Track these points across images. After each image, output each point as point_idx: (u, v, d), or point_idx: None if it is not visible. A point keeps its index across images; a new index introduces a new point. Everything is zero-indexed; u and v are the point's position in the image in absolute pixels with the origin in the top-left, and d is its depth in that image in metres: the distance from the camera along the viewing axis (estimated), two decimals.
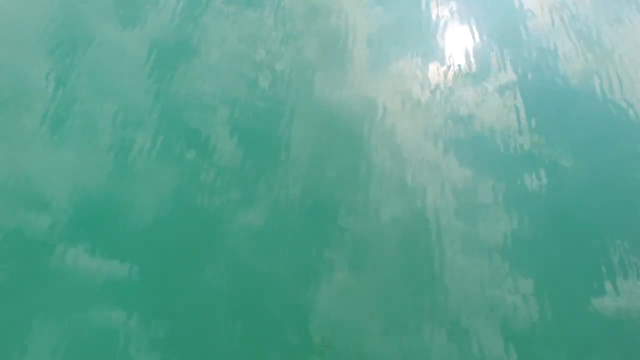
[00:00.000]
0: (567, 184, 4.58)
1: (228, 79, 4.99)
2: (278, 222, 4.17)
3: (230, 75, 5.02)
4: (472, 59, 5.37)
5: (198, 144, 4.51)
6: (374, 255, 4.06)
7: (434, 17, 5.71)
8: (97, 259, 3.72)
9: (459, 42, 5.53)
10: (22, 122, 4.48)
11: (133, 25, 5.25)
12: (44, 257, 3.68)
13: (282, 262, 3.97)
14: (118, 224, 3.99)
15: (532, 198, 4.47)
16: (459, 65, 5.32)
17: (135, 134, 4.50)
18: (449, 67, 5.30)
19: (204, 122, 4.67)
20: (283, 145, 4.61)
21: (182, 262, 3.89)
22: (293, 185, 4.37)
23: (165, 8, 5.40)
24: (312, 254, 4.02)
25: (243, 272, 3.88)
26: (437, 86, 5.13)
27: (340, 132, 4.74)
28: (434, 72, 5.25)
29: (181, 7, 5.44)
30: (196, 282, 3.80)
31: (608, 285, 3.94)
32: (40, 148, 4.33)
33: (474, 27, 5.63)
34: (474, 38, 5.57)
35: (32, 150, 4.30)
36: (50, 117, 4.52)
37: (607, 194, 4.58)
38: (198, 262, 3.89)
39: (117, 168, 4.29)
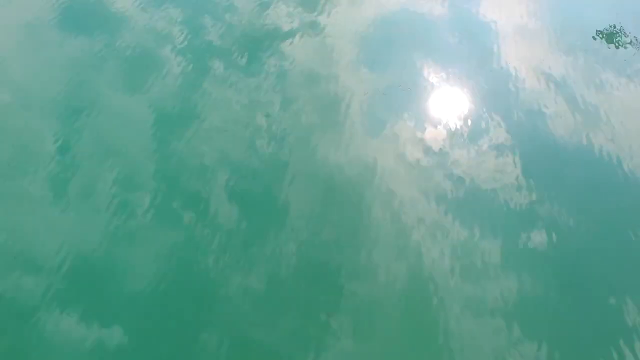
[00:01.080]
0: (570, 242, 4.55)
1: (228, 142, 5.11)
2: (276, 286, 4.06)
3: (230, 139, 5.14)
4: (466, 121, 5.55)
5: (196, 207, 4.52)
6: (377, 321, 3.92)
7: (426, 81, 5.96)
8: (87, 325, 3.58)
9: (451, 105, 5.75)
10: (23, 185, 4.52)
11: (138, 91, 5.48)
12: (31, 323, 3.53)
13: (281, 330, 3.80)
14: (110, 289, 3.89)
15: (536, 257, 4.42)
16: (453, 127, 5.47)
17: (134, 197, 4.51)
18: (443, 129, 5.45)
19: (203, 185, 4.71)
20: (281, 208, 4.62)
21: (176, 329, 3.72)
22: (292, 249, 4.31)
23: (170, 75, 5.68)
24: (312, 321, 3.86)
25: (239, 342, 3.70)
26: (433, 148, 5.25)
27: (339, 195, 4.77)
28: (429, 134, 5.39)
29: (184, 73, 5.72)
30: (189, 354, 3.59)
31: (626, 351, 3.75)
32: (37, 211, 4.33)
33: (465, 91, 5.88)
34: (466, 101, 5.80)
35: (29, 214, 4.29)
36: (51, 180, 4.58)
37: (612, 250, 4.54)
38: (192, 331, 3.72)
39: (113, 231, 4.27)
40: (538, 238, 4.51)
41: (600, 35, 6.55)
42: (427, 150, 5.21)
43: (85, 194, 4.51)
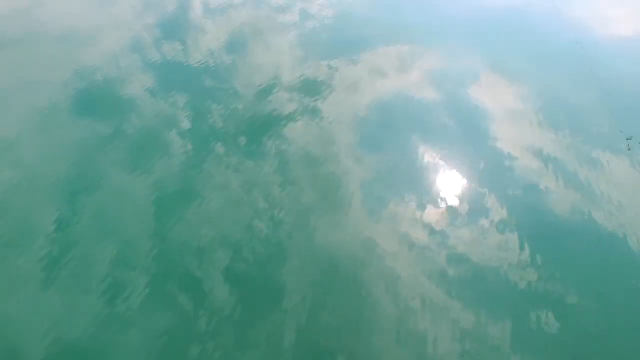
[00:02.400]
0: (580, 322, 4.38)
1: (228, 224, 5.14)
2: None
3: (230, 221, 5.18)
4: (465, 200, 5.62)
5: (192, 289, 4.43)
6: None
7: (424, 162, 6.13)
8: None
9: (450, 185, 5.86)
10: (15, 264, 4.47)
11: (141, 172, 5.64)
12: None
13: None
14: None
15: (546, 340, 4.21)
16: (453, 207, 5.52)
17: (128, 278, 4.44)
18: (443, 209, 5.49)
19: (200, 267, 4.66)
20: (280, 291, 4.51)
21: None
22: (289, 333, 4.13)
23: (173, 156, 5.88)
24: None
25: None
26: (434, 228, 5.25)
27: (339, 278, 4.68)
28: (429, 214, 5.42)
29: (187, 155, 5.93)
30: None
31: None
32: (26, 293, 4.24)
33: (462, 171, 6.02)
34: (463, 180, 5.92)
35: (16, 296, 4.19)
36: (44, 260, 4.55)
37: (624, 330, 4.32)
38: None
39: (103, 315, 4.14)
40: (547, 319, 4.34)
41: (588, 115, 6.86)
42: (428, 230, 5.22)
43: (78, 275, 4.45)
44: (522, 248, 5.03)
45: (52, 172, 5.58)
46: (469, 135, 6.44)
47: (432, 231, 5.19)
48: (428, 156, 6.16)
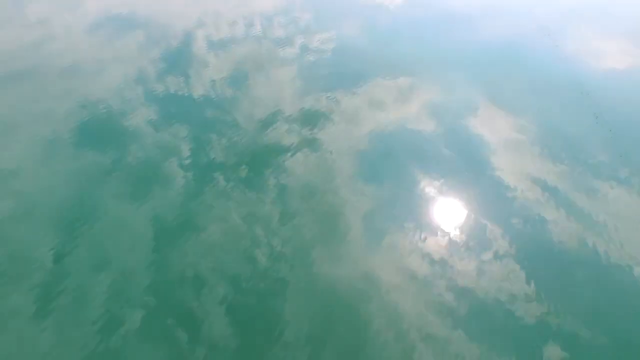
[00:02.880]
0: (587, 355, 4.21)
1: (226, 255, 5.10)
2: None
3: (229, 252, 5.14)
4: (466, 231, 5.59)
5: (189, 323, 4.35)
6: None
7: (424, 193, 6.13)
8: None
9: (450, 216, 5.83)
10: (9, 297, 4.38)
11: (140, 203, 5.65)
12: None
13: None
14: None
15: None
16: (454, 238, 5.49)
17: (124, 312, 4.36)
18: (444, 240, 5.45)
19: (198, 300, 4.59)
20: (279, 325, 4.42)
21: None
22: None
23: (172, 187, 5.90)
24: None
25: None
26: (435, 259, 5.20)
27: (339, 311, 4.59)
28: (430, 245, 5.38)
29: (187, 186, 5.95)
30: None
31: None
32: (18, 328, 4.13)
33: (463, 201, 6.02)
34: (464, 211, 5.90)
35: (8, 330, 4.08)
36: (38, 293, 4.49)
37: None
38: None
39: (99, 349, 4.01)
40: (554, 354, 4.20)
41: (587, 145, 6.93)
42: (430, 261, 5.16)
43: (72, 308, 4.37)
44: (525, 279, 4.96)
45: (49, 203, 5.59)
46: (469, 166, 6.48)
47: (433, 263, 5.13)
48: (428, 187, 6.17)
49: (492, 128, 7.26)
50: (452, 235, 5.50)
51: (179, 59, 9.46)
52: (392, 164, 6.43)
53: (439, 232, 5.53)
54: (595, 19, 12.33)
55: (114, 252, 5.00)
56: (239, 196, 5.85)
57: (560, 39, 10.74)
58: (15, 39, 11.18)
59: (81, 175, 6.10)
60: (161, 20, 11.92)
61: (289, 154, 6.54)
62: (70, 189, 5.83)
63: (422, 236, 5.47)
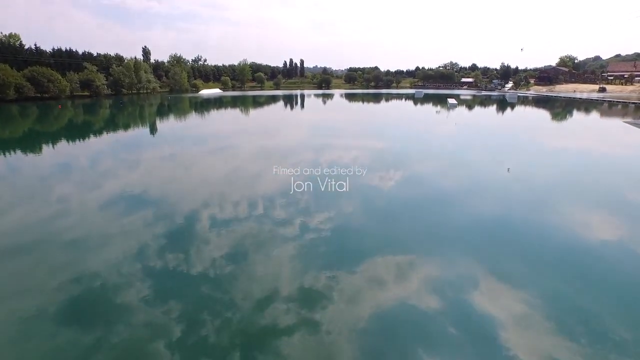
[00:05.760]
0: None
1: None
2: None
3: None
4: None
5: None
6: None
7: None
8: None
9: None
10: None
11: None
12: None
13: None
14: None
15: None
16: None
17: None
18: None
19: None
20: None
21: None
22: None
23: None
24: None
25: None
26: None
27: None
28: None
29: None
30: None
31: None
32: None
33: None
34: None
35: None
36: None
37: None
38: None
39: None
40: None
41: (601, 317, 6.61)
42: None
43: None
44: None
45: None
46: (479, 348, 6.02)
47: None
48: None
49: (497, 303, 7.04)
50: None
51: (181, 236, 9.87)
52: (396, 348, 6.00)
53: None
54: (580, 192, 13.53)
55: None
56: None
57: (549, 215, 11.46)
58: (31, 213, 11.93)
59: (56, 357, 5.64)
60: (171, 199, 12.92)
61: (286, 337, 6.17)
62: None
63: None
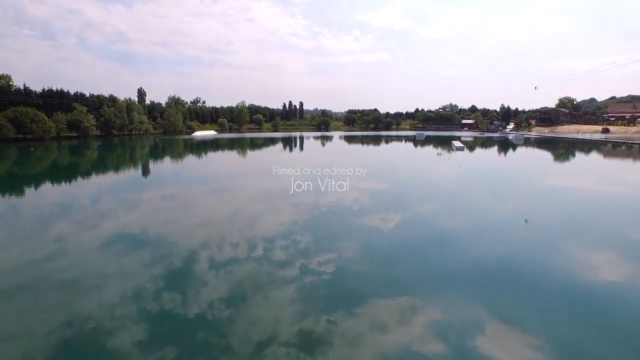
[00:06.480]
0: None
1: None
2: None
3: None
4: None
5: None
6: None
7: None
8: None
9: None
10: None
11: None
12: None
13: None
14: None
15: None
16: None
17: None
18: None
19: None
20: None
21: None
22: None
23: None
24: None
25: None
26: None
27: None
28: None
29: None
30: None
31: None
32: None
33: None
34: None
35: None
36: None
37: None
38: None
39: None
40: None
41: None
42: None
43: None
44: None
45: None
46: None
47: None
48: None
49: (506, 349, 6.69)
50: None
51: (179, 278, 9.70)
52: None
53: None
54: (581, 233, 13.25)
55: None
56: None
57: (550, 253, 11.27)
58: (27, 253, 11.83)
59: None
60: (169, 239, 12.81)
61: None
62: None
63: None
